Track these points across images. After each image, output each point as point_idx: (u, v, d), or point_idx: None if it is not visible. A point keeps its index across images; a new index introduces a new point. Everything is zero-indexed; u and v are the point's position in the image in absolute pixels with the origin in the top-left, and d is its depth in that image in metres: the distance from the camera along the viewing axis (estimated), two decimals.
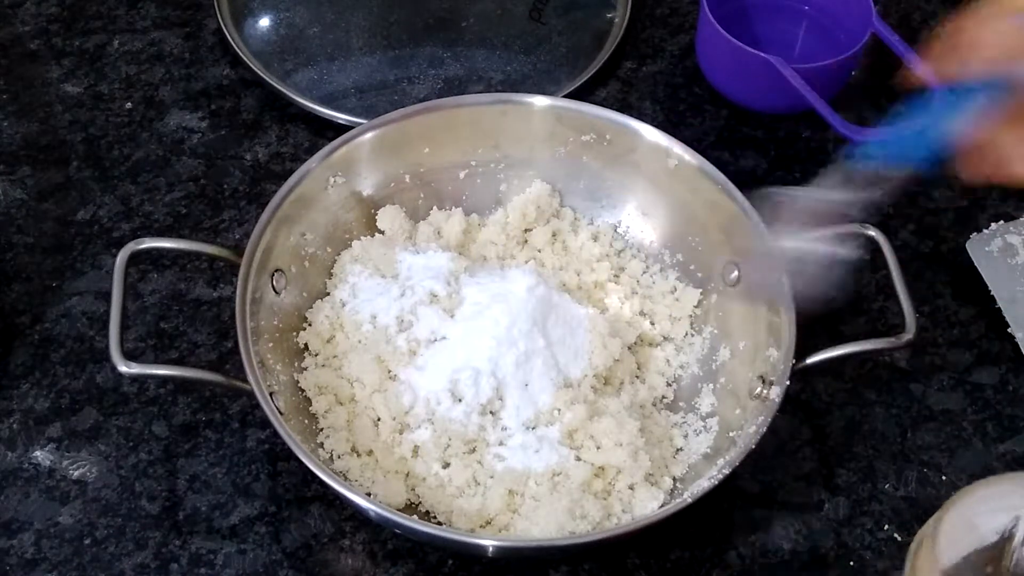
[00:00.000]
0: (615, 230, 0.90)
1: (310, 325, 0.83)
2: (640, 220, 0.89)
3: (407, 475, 0.77)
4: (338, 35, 1.04)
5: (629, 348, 0.84)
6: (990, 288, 0.88)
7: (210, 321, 0.87)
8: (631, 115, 0.87)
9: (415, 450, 0.78)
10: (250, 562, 0.77)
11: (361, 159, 0.86)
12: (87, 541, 0.77)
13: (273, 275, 0.80)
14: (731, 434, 0.78)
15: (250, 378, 0.73)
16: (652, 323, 0.86)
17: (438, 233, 0.88)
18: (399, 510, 0.73)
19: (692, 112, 1.01)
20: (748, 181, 0.95)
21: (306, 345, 0.82)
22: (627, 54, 1.04)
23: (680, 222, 0.87)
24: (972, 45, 0.64)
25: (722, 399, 0.81)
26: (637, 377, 0.84)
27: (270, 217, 0.80)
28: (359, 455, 0.78)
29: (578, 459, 0.77)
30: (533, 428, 0.78)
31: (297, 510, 0.79)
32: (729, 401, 0.81)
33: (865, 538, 0.79)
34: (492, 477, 0.76)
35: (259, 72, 0.99)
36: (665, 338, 0.86)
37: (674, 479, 0.78)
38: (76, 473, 0.80)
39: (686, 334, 0.86)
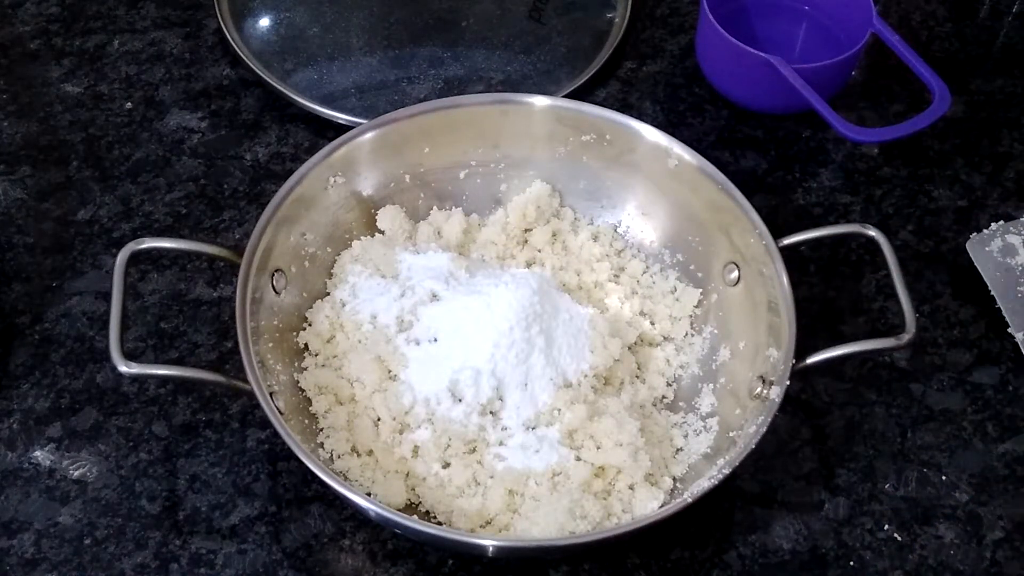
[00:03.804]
0: (615, 230, 0.90)
1: (310, 325, 0.83)
2: (640, 220, 0.89)
3: (407, 475, 0.77)
4: (338, 35, 1.04)
5: (629, 348, 0.84)
6: (990, 288, 0.88)
7: (210, 321, 0.87)
8: (631, 115, 0.87)
9: (415, 450, 0.78)
10: (250, 562, 0.77)
11: (361, 159, 0.86)
12: (87, 541, 0.77)
13: (273, 275, 0.80)
14: (731, 434, 0.78)
15: (250, 378, 0.73)
16: (652, 323, 0.86)
17: (438, 233, 0.88)
18: (399, 510, 0.73)
19: (692, 112, 1.01)
20: (748, 181, 0.95)
21: (306, 345, 0.82)
22: (627, 54, 1.04)
23: (680, 222, 0.87)
24: None
25: (722, 399, 0.81)
26: (637, 377, 0.84)
27: (270, 217, 0.80)
28: (359, 455, 0.78)
29: (578, 459, 0.77)
30: (533, 428, 0.78)
31: (297, 510, 0.79)
32: (729, 401, 0.80)
33: (865, 538, 0.79)
34: (492, 477, 0.76)
35: (259, 72, 0.99)
36: (665, 338, 0.86)
37: (674, 479, 0.78)
38: (76, 473, 0.80)
39: (686, 334, 0.86)
